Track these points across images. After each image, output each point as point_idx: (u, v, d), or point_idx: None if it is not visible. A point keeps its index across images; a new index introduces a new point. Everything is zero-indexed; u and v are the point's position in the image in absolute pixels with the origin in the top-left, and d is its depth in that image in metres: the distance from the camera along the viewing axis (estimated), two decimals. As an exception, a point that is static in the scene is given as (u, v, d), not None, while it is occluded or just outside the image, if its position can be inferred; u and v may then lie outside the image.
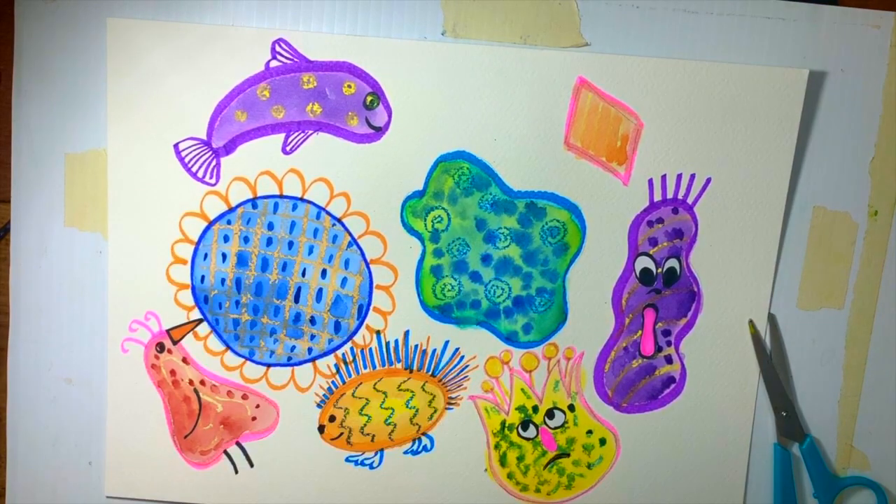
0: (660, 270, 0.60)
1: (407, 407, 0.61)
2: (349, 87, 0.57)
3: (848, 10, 0.58)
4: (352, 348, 0.60)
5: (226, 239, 0.59)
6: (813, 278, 0.60)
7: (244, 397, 0.61)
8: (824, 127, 0.59)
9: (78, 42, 0.58)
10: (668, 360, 0.61)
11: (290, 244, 0.59)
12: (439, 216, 0.59)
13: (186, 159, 0.58)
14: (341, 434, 0.61)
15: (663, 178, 0.59)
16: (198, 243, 0.59)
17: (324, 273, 0.59)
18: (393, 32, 0.58)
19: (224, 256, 0.59)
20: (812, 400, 0.62)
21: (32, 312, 0.61)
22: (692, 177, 0.59)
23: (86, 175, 0.59)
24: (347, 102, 0.57)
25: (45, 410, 0.61)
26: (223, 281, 0.59)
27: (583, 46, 0.58)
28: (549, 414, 0.62)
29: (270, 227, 0.59)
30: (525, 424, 0.62)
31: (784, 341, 0.61)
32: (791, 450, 0.62)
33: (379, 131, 0.58)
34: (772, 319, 0.61)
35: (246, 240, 0.59)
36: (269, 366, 0.60)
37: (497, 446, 0.62)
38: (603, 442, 0.62)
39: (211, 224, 0.59)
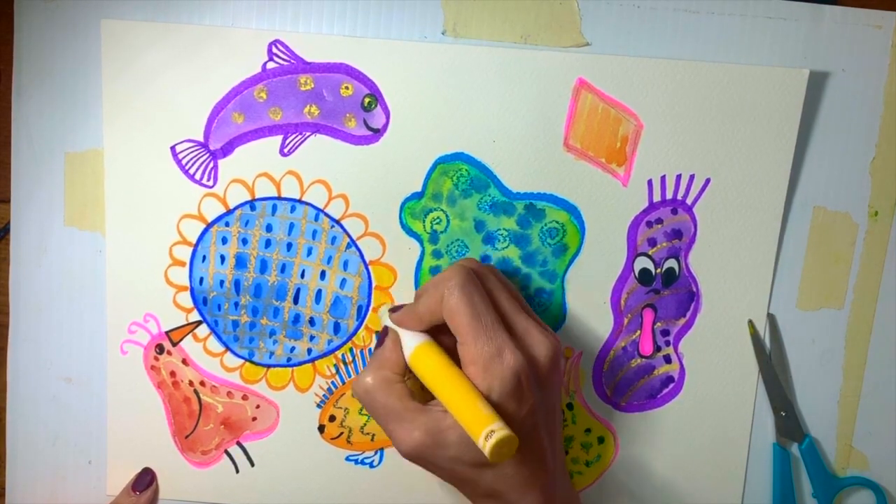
0: (659, 271, 0.60)
1: (406, 406, 0.61)
2: (346, 88, 0.57)
3: (849, 10, 0.58)
4: (351, 349, 0.60)
5: (224, 241, 0.59)
6: (813, 278, 0.60)
7: (244, 398, 0.61)
8: (825, 127, 0.59)
9: (78, 41, 0.58)
10: (667, 359, 0.61)
11: (289, 246, 0.59)
12: (438, 217, 0.59)
13: (183, 161, 0.58)
14: (341, 433, 0.61)
15: (662, 178, 0.58)
16: (196, 245, 0.59)
17: (323, 274, 0.59)
18: (393, 32, 0.58)
19: (222, 258, 0.59)
20: (812, 400, 0.62)
21: (32, 312, 0.61)
22: (691, 177, 0.58)
23: (86, 174, 0.59)
24: (345, 104, 0.57)
25: (44, 410, 0.62)
26: (222, 283, 0.59)
27: (583, 46, 0.57)
28: (549, 412, 0.62)
29: (269, 228, 0.59)
30: (524, 423, 0.62)
31: (784, 341, 0.61)
32: (790, 450, 0.62)
33: (377, 133, 0.57)
34: (771, 319, 0.61)
35: (244, 241, 0.59)
36: (268, 367, 0.61)
37: (496, 445, 0.62)
38: (601, 440, 0.62)
39: (209, 226, 0.59)
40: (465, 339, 0.49)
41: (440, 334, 0.52)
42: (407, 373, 0.52)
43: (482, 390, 0.48)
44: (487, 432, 0.44)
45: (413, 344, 0.52)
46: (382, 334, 0.54)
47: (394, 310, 0.54)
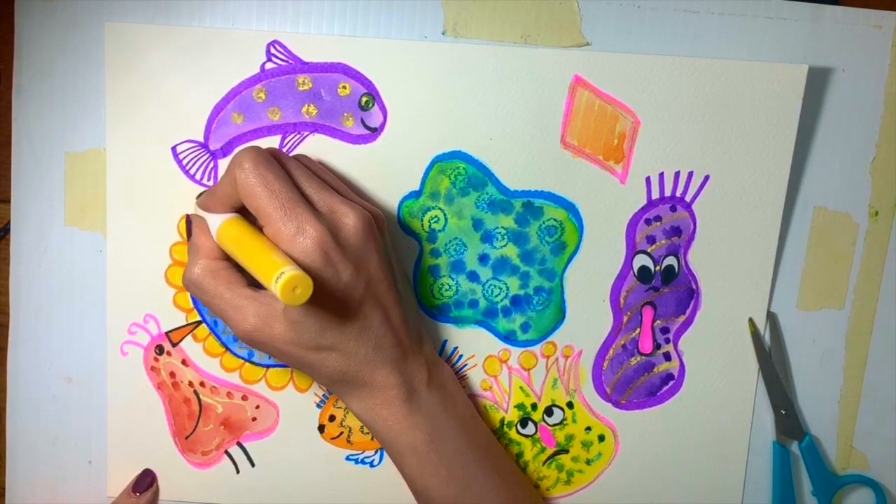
0: (658, 268, 0.60)
1: (406, 406, 0.61)
2: (344, 88, 0.57)
3: (849, 10, 0.58)
4: (350, 348, 0.60)
5: (223, 240, 0.59)
6: (813, 278, 0.60)
7: (244, 398, 0.61)
8: (825, 127, 0.59)
9: (78, 41, 0.58)
10: (667, 357, 0.61)
11: (288, 245, 0.59)
12: (436, 216, 0.58)
13: (184, 162, 0.58)
14: (341, 433, 0.61)
15: (661, 175, 0.58)
16: (195, 245, 0.59)
17: (321, 274, 0.59)
18: (393, 32, 0.58)
19: (222, 258, 0.59)
20: (812, 400, 0.62)
21: (32, 312, 0.61)
22: (690, 174, 0.58)
23: (86, 174, 0.59)
24: (342, 103, 0.57)
25: (44, 410, 0.62)
26: (221, 282, 0.59)
27: (583, 46, 0.57)
28: (548, 411, 0.62)
29: (267, 228, 0.59)
30: (524, 422, 0.62)
31: (784, 341, 0.61)
32: (790, 448, 0.62)
33: (375, 132, 0.57)
34: (772, 318, 0.60)
35: (243, 241, 0.59)
36: (268, 367, 0.61)
37: (496, 444, 0.62)
38: (602, 438, 0.62)
39: (209, 226, 0.59)
40: (265, 220, 0.48)
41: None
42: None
43: None
44: (278, 274, 0.43)
45: (217, 223, 0.51)
46: (188, 225, 0.53)
47: (199, 196, 0.54)
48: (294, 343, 0.49)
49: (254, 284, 0.50)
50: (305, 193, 0.50)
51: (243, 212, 0.51)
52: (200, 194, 0.54)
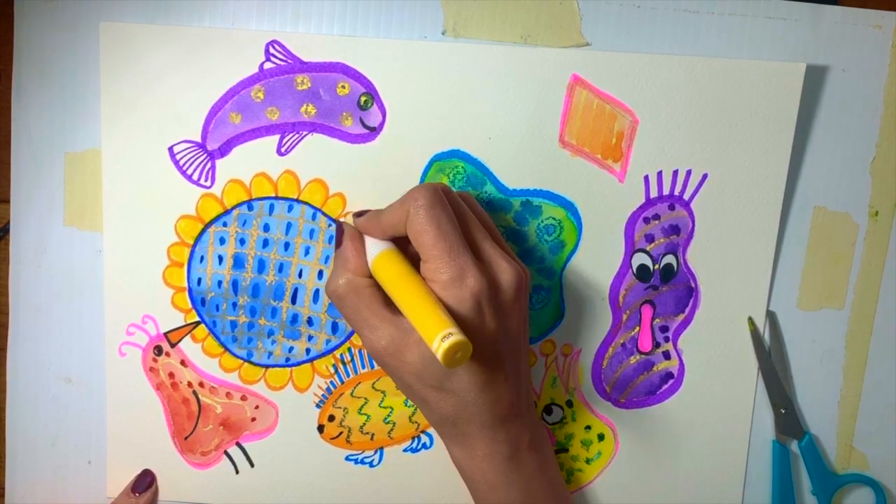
0: (657, 267, 0.60)
1: (406, 405, 0.61)
2: (343, 87, 0.57)
3: (849, 10, 0.58)
4: (350, 348, 0.60)
5: (222, 241, 0.59)
6: (813, 279, 0.60)
7: (243, 398, 0.61)
8: (825, 127, 0.59)
9: (78, 41, 0.58)
10: (666, 356, 0.61)
11: (287, 245, 0.59)
12: (435, 216, 0.58)
13: (181, 162, 0.58)
14: (341, 433, 0.61)
15: (659, 174, 0.58)
16: (194, 246, 0.59)
17: (320, 274, 0.59)
18: (393, 32, 0.58)
19: (220, 258, 0.59)
20: (812, 400, 0.62)
21: (32, 312, 0.61)
22: (688, 173, 0.58)
23: (86, 174, 0.59)
24: (341, 103, 0.57)
25: (44, 410, 0.62)
26: (220, 283, 0.59)
27: (583, 46, 0.57)
28: (547, 410, 0.62)
29: (266, 228, 0.59)
30: (524, 422, 0.62)
31: (784, 342, 0.61)
32: (790, 447, 0.62)
33: (373, 131, 0.57)
34: (771, 316, 0.60)
35: (242, 242, 0.59)
36: (267, 367, 0.61)
37: (496, 444, 0.62)
38: (601, 437, 0.62)
39: (207, 226, 0.59)
40: (427, 258, 0.48)
41: (407, 244, 0.52)
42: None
43: None
44: (444, 335, 0.43)
45: (376, 251, 0.51)
46: (339, 233, 0.53)
47: (359, 215, 0.54)
48: (418, 377, 0.50)
49: (391, 305, 0.50)
50: (470, 238, 0.51)
51: (400, 244, 0.52)
52: (361, 213, 0.54)
